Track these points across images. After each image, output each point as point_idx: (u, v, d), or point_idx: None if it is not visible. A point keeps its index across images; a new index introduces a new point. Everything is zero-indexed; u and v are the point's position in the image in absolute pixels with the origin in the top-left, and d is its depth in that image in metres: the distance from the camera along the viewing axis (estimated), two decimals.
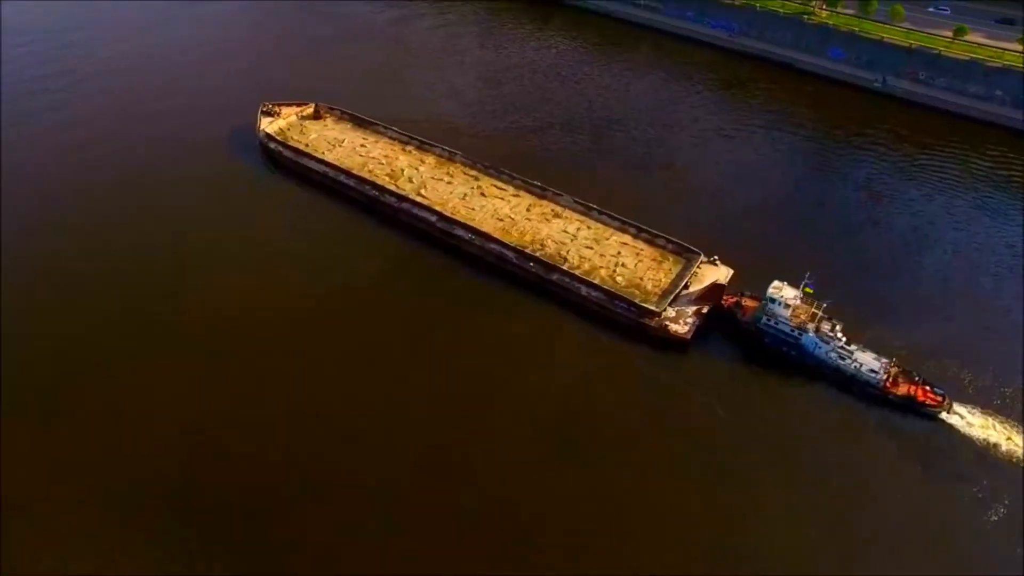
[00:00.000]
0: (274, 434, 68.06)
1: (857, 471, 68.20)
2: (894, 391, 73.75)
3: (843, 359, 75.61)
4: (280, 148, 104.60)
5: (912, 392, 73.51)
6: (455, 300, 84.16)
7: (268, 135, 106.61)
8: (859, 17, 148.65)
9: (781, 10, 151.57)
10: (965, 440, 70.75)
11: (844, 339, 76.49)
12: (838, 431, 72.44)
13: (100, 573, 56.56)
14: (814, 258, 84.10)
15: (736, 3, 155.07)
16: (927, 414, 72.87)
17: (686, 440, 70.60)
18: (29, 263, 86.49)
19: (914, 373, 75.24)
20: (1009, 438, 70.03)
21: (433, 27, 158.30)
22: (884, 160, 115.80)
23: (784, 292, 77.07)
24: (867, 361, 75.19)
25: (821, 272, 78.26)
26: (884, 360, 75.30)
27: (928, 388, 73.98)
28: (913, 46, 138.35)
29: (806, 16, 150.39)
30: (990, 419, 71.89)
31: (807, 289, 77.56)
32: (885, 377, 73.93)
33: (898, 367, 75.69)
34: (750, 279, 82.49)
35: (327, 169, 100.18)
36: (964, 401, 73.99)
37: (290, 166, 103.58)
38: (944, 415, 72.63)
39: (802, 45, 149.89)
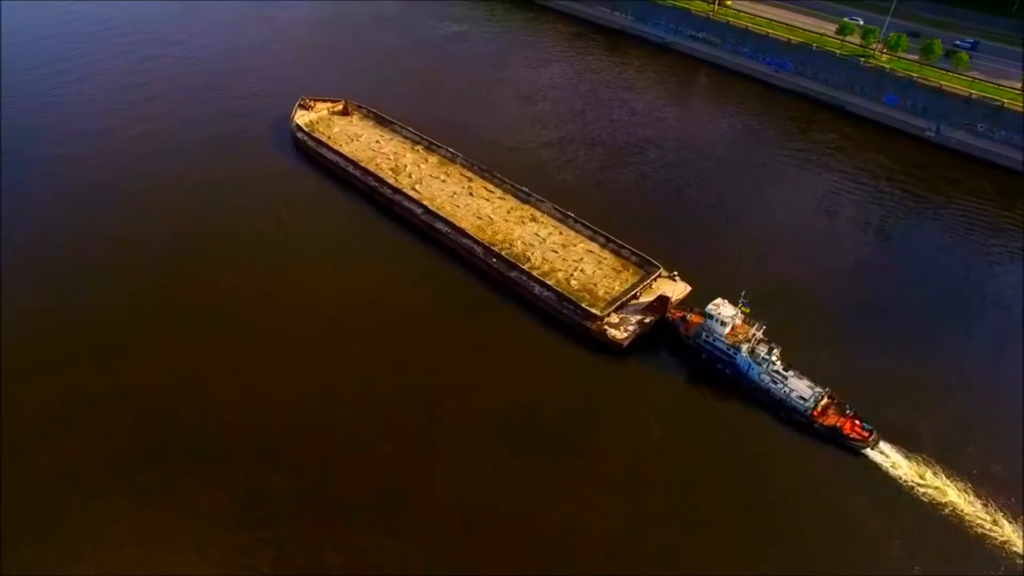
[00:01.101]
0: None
1: (764, 493, 68.32)
2: (821, 421, 73.34)
3: (775, 382, 75.93)
4: (305, 138, 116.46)
5: (839, 424, 72.79)
6: (418, 287, 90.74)
7: (298, 126, 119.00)
8: (920, 63, 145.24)
9: (838, 51, 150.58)
10: (883, 477, 69.32)
11: (779, 363, 76.67)
12: (759, 455, 72.35)
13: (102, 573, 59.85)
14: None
15: (792, 41, 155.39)
16: (851, 448, 71.87)
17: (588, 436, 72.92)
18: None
19: (847, 407, 74.35)
20: (923, 477, 68.47)
21: (488, 39, 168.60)
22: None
23: (723, 309, 78.57)
24: (799, 388, 75.21)
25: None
26: (818, 389, 74.98)
27: (858, 423, 72.96)
28: (973, 96, 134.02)
29: (863, 59, 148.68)
30: (914, 462, 70.05)
31: (743, 308, 78.61)
32: (813, 406, 73.52)
33: (832, 399, 75.12)
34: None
35: (339, 159, 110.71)
36: (894, 440, 72.22)
37: (311, 154, 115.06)
38: (868, 451, 71.36)
39: (856, 88, 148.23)
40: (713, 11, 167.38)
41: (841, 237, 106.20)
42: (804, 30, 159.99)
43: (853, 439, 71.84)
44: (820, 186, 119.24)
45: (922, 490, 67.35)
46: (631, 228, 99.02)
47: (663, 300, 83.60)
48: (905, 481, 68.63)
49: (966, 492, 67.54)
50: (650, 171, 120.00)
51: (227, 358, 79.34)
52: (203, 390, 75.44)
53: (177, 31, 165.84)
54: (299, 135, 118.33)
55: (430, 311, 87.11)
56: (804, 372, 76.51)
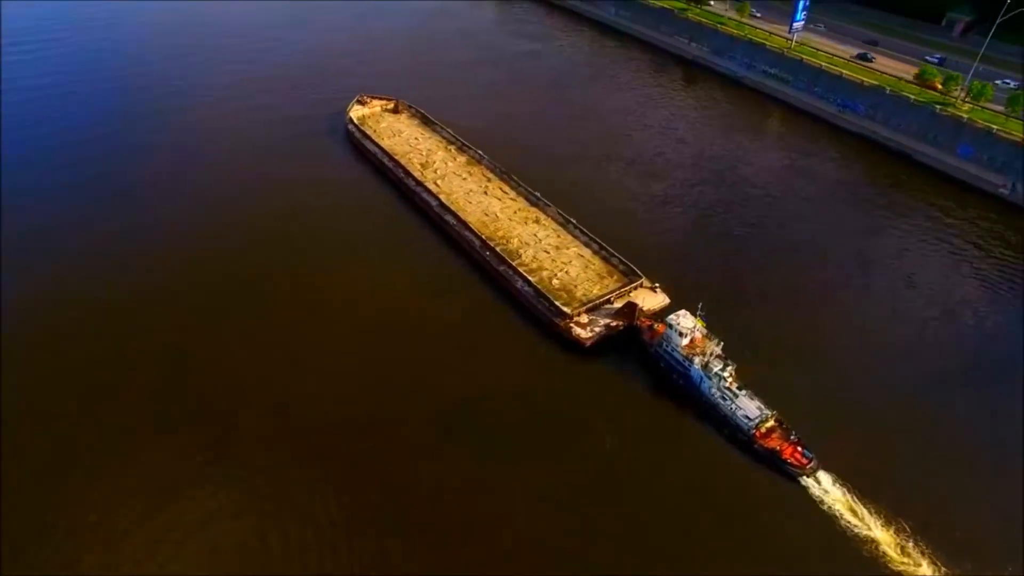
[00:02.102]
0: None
1: (698, 513, 68.53)
2: (762, 443, 73.27)
3: (724, 399, 76.54)
4: (355, 130, 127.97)
5: (779, 448, 72.44)
6: (417, 273, 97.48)
7: (351, 119, 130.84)
8: (1007, 115, 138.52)
9: (913, 97, 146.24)
10: (814, 505, 68.46)
11: (731, 380, 77.25)
12: (701, 473, 72.83)
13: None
14: None
15: (865, 84, 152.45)
16: (788, 473, 71.35)
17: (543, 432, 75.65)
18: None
19: (793, 433, 73.83)
20: (853, 509, 67.21)
21: (559, 60, 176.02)
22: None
23: (682, 320, 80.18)
24: (747, 407, 75.50)
25: None
26: (766, 412, 74.95)
27: (799, 449, 72.32)
28: None
29: (941, 106, 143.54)
30: (849, 497, 68.71)
31: (700, 321, 79.78)
32: (755, 426, 73.64)
33: (779, 422, 74.84)
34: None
35: (378, 151, 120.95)
36: (835, 471, 71.00)
37: (357, 145, 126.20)
38: (804, 479, 70.61)
39: (929, 136, 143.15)
40: (789, 47, 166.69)
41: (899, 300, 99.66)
42: (880, 72, 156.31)
43: (791, 464, 71.24)
44: (887, 237, 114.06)
45: (852, 527, 65.82)
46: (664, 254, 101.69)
47: (631, 306, 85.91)
48: (835, 513, 67.20)
49: (897, 536, 65.27)
50: (705, 211, 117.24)
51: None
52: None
53: (286, 34, 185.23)
54: (350, 127, 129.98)
55: (412, 295, 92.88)
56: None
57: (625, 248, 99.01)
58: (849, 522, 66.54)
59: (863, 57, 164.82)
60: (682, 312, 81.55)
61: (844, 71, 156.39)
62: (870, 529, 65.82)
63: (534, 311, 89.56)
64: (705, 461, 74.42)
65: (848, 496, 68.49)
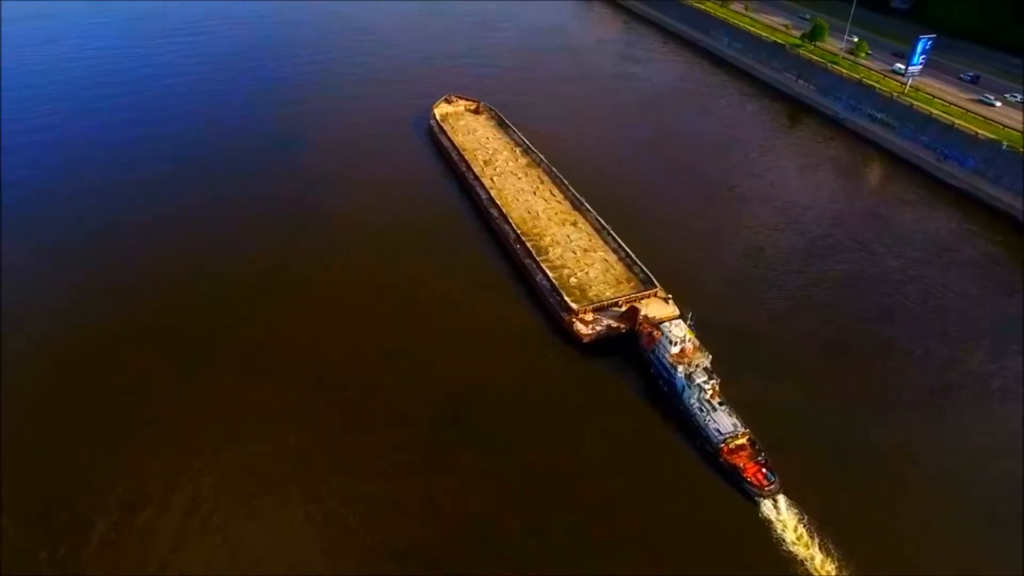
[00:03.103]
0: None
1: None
2: (727, 458, 73.71)
3: (701, 410, 77.61)
4: (435, 125, 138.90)
5: (743, 466, 72.67)
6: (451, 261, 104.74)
7: (434, 115, 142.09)
8: None
9: None
10: (764, 529, 68.26)
11: (712, 393, 78.21)
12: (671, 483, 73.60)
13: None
14: None
15: (979, 136, 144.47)
16: (746, 492, 71.48)
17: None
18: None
19: (762, 453, 73.77)
20: (799, 533, 66.46)
21: (653, 83, 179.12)
22: None
23: (674, 329, 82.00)
24: (721, 421, 76.19)
25: None
26: (740, 428, 75.38)
27: (763, 471, 72.22)
28: None
29: None
30: (802, 526, 67.87)
31: (689, 329, 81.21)
32: (723, 440, 74.26)
33: (751, 442, 74.96)
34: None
35: (448, 145, 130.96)
36: (796, 499, 70.26)
37: (434, 139, 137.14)
38: (761, 499, 70.52)
39: None
40: (901, 92, 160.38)
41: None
42: (998, 123, 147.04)
43: (750, 483, 71.22)
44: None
45: (798, 557, 65.16)
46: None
47: (633, 311, 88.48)
48: (784, 539, 66.67)
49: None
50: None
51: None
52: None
53: (404, 38, 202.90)
54: (431, 122, 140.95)
55: (442, 279, 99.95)
56: None
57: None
58: (795, 551, 65.57)
59: (983, 101, 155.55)
60: (677, 321, 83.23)
61: (956, 121, 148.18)
62: (814, 562, 64.57)
63: (546, 304, 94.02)
64: (674, 470, 75.20)
65: (801, 526, 67.32)
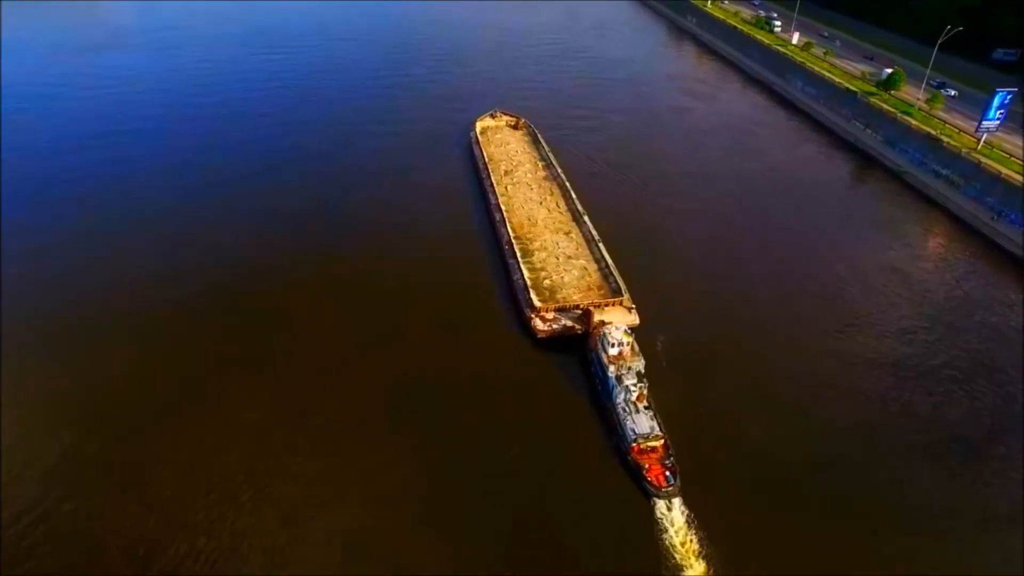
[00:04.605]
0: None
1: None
2: (635, 457, 75.62)
3: (624, 410, 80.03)
4: (473, 136, 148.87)
5: (647, 465, 74.42)
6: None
7: (475, 128, 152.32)
8: None
9: None
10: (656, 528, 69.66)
11: (637, 395, 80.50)
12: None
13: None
14: None
15: None
16: (644, 490, 73.19)
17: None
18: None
19: (672, 459, 75.20)
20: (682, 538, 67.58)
21: (707, 120, 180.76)
22: None
23: (614, 332, 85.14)
24: (639, 422, 78.14)
25: None
26: (656, 432, 77.13)
27: (666, 474, 73.72)
28: None
29: None
30: (690, 532, 68.78)
31: (627, 335, 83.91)
32: (634, 439, 76.29)
33: (665, 447, 76.47)
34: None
35: (479, 154, 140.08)
36: (692, 506, 71.20)
37: (470, 148, 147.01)
38: (656, 500, 72.03)
39: None
40: (973, 150, 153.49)
41: None
42: None
43: (648, 482, 72.75)
44: None
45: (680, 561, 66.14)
46: None
47: (587, 312, 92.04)
48: (669, 540, 67.84)
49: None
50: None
51: None
52: None
53: (471, 59, 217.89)
54: (472, 133, 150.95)
55: (435, 269, 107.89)
56: None
57: None
58: (674, 553, 66.55)
59: None
60: (620, 325, 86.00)
61: None
62: (689, 565, 65.35)
63: (517, 301, 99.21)
64: (589, 461, 77.50)
65: (690, 532, 68.17)
